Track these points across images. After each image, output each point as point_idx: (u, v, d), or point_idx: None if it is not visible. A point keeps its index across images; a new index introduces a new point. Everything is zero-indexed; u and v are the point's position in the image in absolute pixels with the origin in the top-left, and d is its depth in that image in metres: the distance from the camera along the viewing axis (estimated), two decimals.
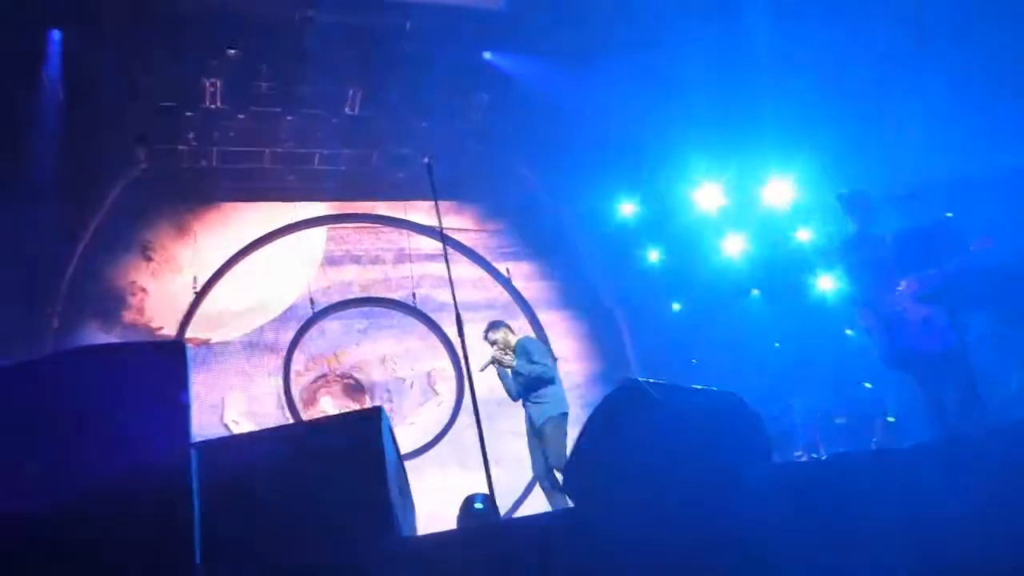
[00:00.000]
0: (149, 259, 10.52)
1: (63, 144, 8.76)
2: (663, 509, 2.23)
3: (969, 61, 7.74)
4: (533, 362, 7.45)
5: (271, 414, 10.16)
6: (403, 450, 9.11)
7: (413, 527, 3.52)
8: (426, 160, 5.83)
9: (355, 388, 10.80)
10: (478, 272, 12.05)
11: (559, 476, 6.89)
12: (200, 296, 10.42)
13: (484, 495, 5.42)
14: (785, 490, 2.73)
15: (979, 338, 6.26)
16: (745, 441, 2.92)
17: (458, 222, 12.32)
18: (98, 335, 9.78)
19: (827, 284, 10.23)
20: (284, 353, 10.53)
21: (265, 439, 3.25)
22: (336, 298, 11.17)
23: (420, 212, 11.68)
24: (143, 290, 10.36)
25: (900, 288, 5.57)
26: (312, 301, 10.87)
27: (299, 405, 10.37)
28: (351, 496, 2.80)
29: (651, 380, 3.17)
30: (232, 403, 10.13)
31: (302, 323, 10.75)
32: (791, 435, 9.61)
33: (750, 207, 10.79)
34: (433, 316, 11.19)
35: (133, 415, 2.01)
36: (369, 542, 2.65)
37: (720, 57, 9.29)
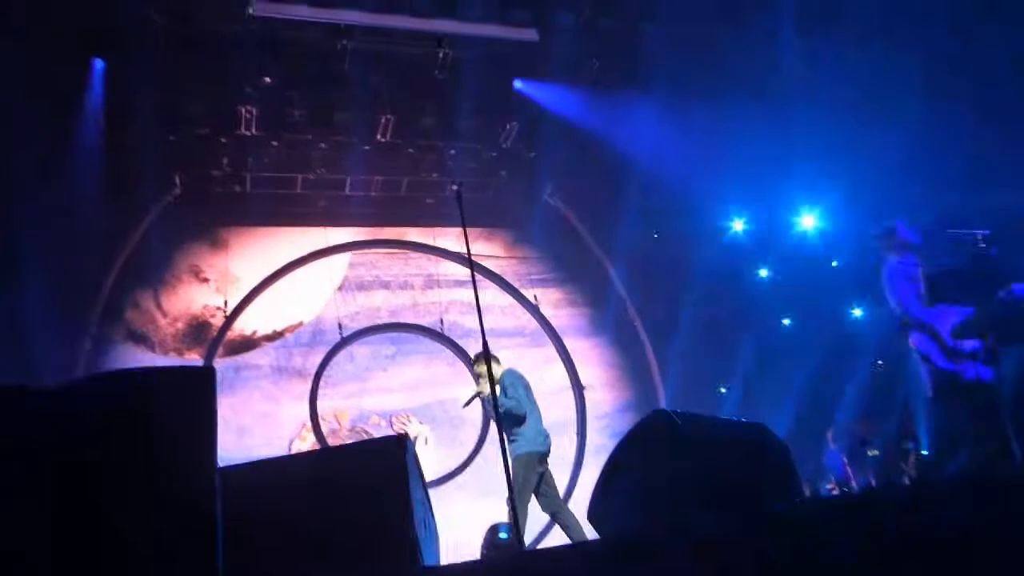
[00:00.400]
0: (181, 282, 10.65)
1: (102, 168, 8.95)
2: (688, 541, 2.19)
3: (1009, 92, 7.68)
4: (507, 397, 7.28)
5: (297, 439, 10.18)
6: (428, 477, 9.07)
7: (436, 556, 3.49)
8: (455, 187, 5.86)
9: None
10: (507, 299, 12.05)
11: (519, 517, 6.72)
12: (230, 320, 10.51)
13: (509, 525, 5.37)
14: (815, 525, 2.66)
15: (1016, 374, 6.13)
16: (773, 473, 2.87)
17: (487, 249, 12.35)
18: (130, 358, 9.89)
19: (860, 314, 10.09)
20: (312, 378, 10.57)
21: (289, 465, 3.25)
22: (364, 323, 11.21)
23: (449, 238, 11.73)
24: (175, 313, 10.48)
25: (943, 322, 5.49)
26: (340, 326, 10.92)
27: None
28: (374, 524, 2.78)
29: (679, 411, 3.13)
30: (259, 428, 10.17)
31: (330, 348, 10.79)
32: (823, 467, 9.44)
33: (781, 237, 10.70)
34: (461, 342, 11.19)
35: (159, 440, 2.01)
36: (392, 571, 2.63)
37: (751, 89, 9.29)
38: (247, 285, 10.82)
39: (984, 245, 5.49)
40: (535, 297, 12.03)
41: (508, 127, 10.71)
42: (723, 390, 11.04)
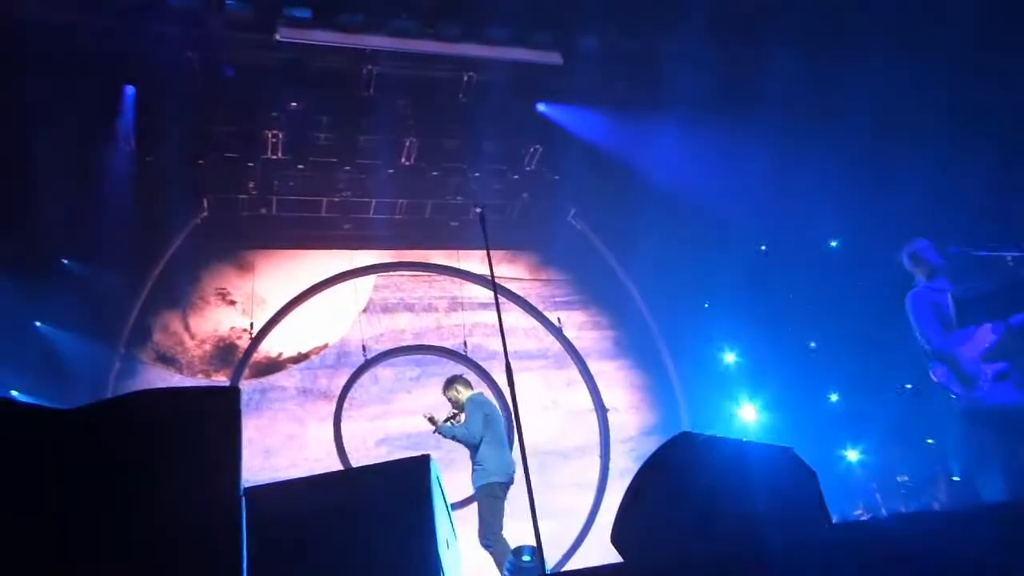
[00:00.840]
0: (208, 304, 10.77)
1: (132, 192, 9.12)
2: (713, 566, 2.17)
3: None
4: (463, 424, 7.48)
5: (322, 460, 10.20)
6: (452, 499, 9.06)
7: None
8: (478, 209, 5.90)
9: None
10: (530, 321, 12.06)
11: (496, 550, 6.82)
12: (256, 341, 10.60)
13: (532, 547, 5.34)
14: (843, 550, 2.63)
15: None
16: (799, 497, 2.83)
17: (511, 271, 12.38)
18: (157, 379, 9.99)
19: (889, 338, 9.96)
20: (336, 399, 10.62)
21: (314, 486, 3.27)
22: (389, 345, 11.26)
23: (473, 261, 11.77)
24: (202, 334, 10.58)
25: (970, 343, 5.42)
26: (365, 348, 10.97)
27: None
28: (398, 545, 2.78)
29: (704, 433, 3.11)
30: (285, 449, 10.22)
31: (354, 370, 10.83)
32: (851, 492, 9.30)
33: (807, 258, 10.63)
34: (485, 365, 11.20)
35: (185, 460, 2.04)
36: None
37: (774, 110, 9.27)
38: (273, 307, 10.92)
39: (1013, 265, 5.43)
40: (558, 319, 12.02)
41: (532, 150, 10.77)
42: (749, 413, 10.91)
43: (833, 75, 9.02)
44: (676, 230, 11.39)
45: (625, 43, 9.35)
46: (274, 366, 10.75)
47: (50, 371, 8.39)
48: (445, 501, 3.44)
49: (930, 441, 9.05)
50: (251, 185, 10.34)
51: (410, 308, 11.77)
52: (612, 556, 2.96)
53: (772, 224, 10.58)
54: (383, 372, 11.12)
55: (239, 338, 10.64)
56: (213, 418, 2.15)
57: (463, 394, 7.90)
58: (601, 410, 11.59)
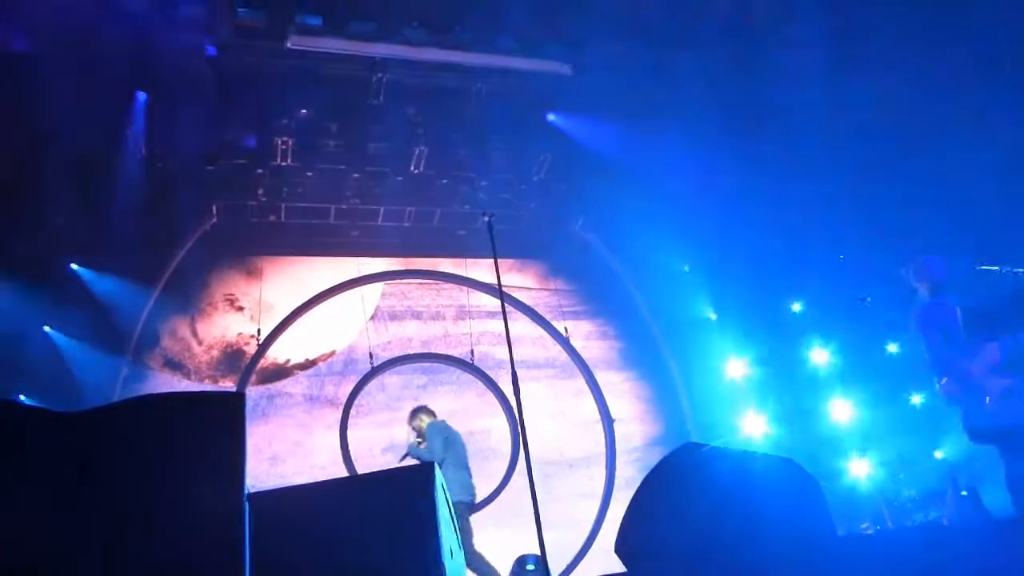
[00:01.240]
0: (217, 310, 10.80)
1: (142, 197, 9.16)
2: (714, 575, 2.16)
3: None
4: (424, 449, 7.96)
5: (328, 467, 10.20)
6: None
7: None
8: (486, 218, 5.92)
9: None
10: (538, 330, 12.05)
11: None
12: (263, 347, 10.62)
13: (536, 556, 5.33)
14: (848, 563, 2.62)
15: None
16: (804, 509, 2.82)
17: (519, 280, 12.38)
18: (165, 385, 10.02)
19: (895, 350, 9.94)
20: (343, 407, 10.62)
21: (318, 492, 3.27)
22: (396, 353, 11.26)
23: (482, 269, 11.78)
24: (209, 340, 10.61)
25: (978, 358, 5.37)
26: (372, 355, 10.97)
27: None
28: (401, 552, 2.78)
29: (708, 444, 3.10)
30: (292, 456, 10.22)
31: (361, 377, 10.84)
32: (857, 506, 9.26)
33: (816, 269, 10.60)
34: (492, 373, 11.19)
35: (189, 464, 2.04)
36: None
37: (783, 120, 9.27)
38: (280, 314, 10.94)
39: (1021, 280, 5.39)
40: (566, 329, 12.01)
41: (541, 159, 10.79)
42: (754, 423, 10.88)
43: (843, 87, 9.01)
44: (684, 241, 11.39)
45: (635, 54, 9.36)
46: (282, 373, 10.76)
47: (58, 376, 8.42)
48: (450, 510, 3.43)
49: (938, 455, 9.01)
50: (260, 192, 10.38)
51: (418, 316, 11.78)
52: (617, 566, 2.95)
53: (780, 234, 10.56)
54: (390, 380, 11.12)
55: (247, 344, 10.65)
56: (217, 423, 2.16)
57: (425, 422, 8.37)
58: (607, 420, 11.56)
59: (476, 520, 10.09)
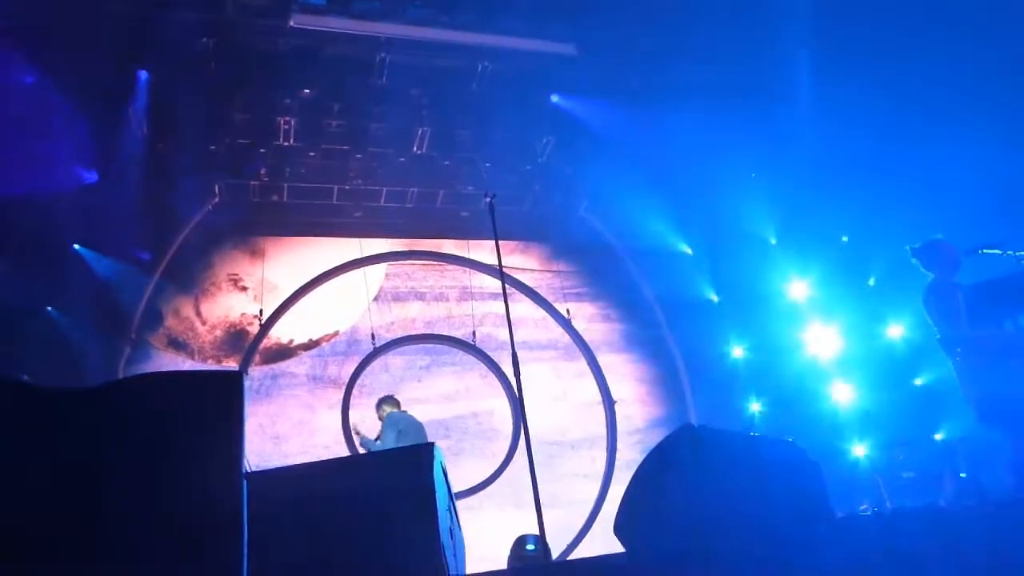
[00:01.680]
0: (220, 290, 10.81)
1: (144, 176, 9.15)
2: (713, 557, 2.17)
3: None
4: (380, 439, 8.22)
5: (331, 447, 10.24)
6: (458, 488, 9.09)
7: (463, 565, 3.49)
8: (488, 199, 5.89)
9: None
10: (540, 312, 12.06)
11: None
12: (266, 328, 10.64)
13: (536, 536, 5.35)
14: (846, 544, 2.62)
15: None
16: (803, 491, 2.83)
17: (522, 262, 12.37)
18: (168, 364, 10.05)
19: (897, 332, 9.92)
20: (345, 387, 10.65)
21: (317, 471, 3.28)
22: (399, 334, 11.28)
23: (485, 251, 11.76)
24: (213, 320, 10.63)
25: (983, 343, 5.38)
26: (374, 336, 10.99)
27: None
28: (400, 532, 2.79)
29: (708, 426, 3.10)
30: (295, 436, 10.26)
31: (363, 358, 10.86)
32: (856, 488, 9.28)
33: (818, 253, 10.59)
34: (494, 355, 11.22)
35: (187, 443, 2.04)
36: None
37: (789, 105, 9.23)
38: (283, 294, 10.95)
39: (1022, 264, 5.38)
40: (567, 311, 12.01)
41: (545, 141, 10.75)
42: (754, 407, 10.90)
43: (846, 69, 8.95)
44: (688, 224, 11.37)
45: (640, 35, 9.30)
46: (285, 353, 10.79)
47: (61, 356, 8.43)
48: (449, 490, 3.44)
49: (938, 438, 9.03)
50: (263, 171, 10.35)
51: (421, 297, 11.79)
52: (616, 546, 2.96)
53: (784, 218, 10.55)
54: (393, 360, 11.15)
55: (250, 324, 10.68)
56: (216, 402, 2.16)
57: (386, 412, 8.54)
58: (608, 402, 11.59)
59: (478, 500, 10.20)
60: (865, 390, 10.24)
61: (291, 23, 8.38)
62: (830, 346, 10.75)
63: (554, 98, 10.13)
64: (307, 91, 9.30)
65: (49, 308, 8.85)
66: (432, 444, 3.07)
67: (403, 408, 8.82)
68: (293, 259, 11.31)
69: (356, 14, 8.60)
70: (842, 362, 10.64)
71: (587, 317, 12.39)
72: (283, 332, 10.86)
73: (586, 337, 12.05)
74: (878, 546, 2.71)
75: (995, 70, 7.97)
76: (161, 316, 10.32)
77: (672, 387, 12.19)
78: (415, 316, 11.58)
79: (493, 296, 11.71)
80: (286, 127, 9.70)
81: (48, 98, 7.48)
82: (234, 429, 2.10)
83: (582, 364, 11.91)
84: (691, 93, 9.39)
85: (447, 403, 11.10)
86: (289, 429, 10.25)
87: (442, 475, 3.21)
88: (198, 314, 10.61)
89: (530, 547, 6.01)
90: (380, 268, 11.71)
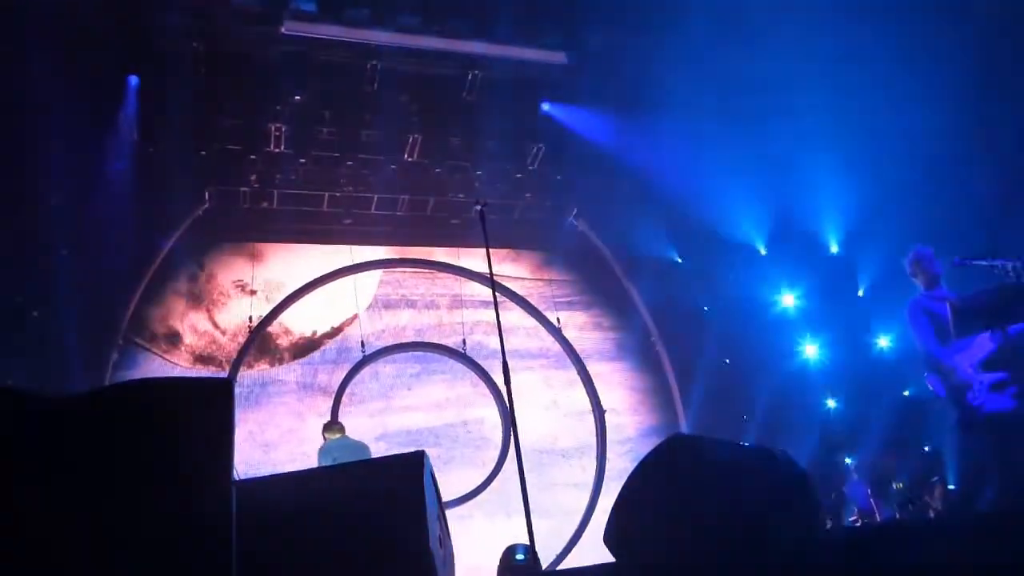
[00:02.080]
0: (208, 296, 10.76)
1: (134, 181, 9.11)
2: (704, 568, 2.16)
3: None
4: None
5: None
6: (448, 497, 9.04)
7: (452, 575, 3.47)
8: (478, 207, 5.87)
9: None
10: (532, 320, 12.06)
11: None
12: (255, 334, 10.59)
13: (526, 546, 5.33)
14: (836, 555, 2.62)
15: None
16: (793, 501, 2.82)
17: (513, 270, 12.37)
18: (155, 370, 9.98)
19: (886, 343, 9.97)
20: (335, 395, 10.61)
21: (306, 480, 3.26)
22: (390, 341, 11.25)
23: (476, 259, 11.75)
24: (201, 326, 10.57)
25: (968, 352, 5.39)
26: (363, 344, 10.96)
27: None
28: (390, 540, 2.77)
29: (698, 436, 3.10)
30: (284, 443, 10.21)
31: (352, 366, 10.83)
32: (846, 498, 9.30)
33: (807, 263, 10.63)
34: (485, 363, 11.19)
35: (175, 451, 2.03)
36: None
37: (780, 115, 9.27)
38: (273, 300, 10.91)
39: (1015, 275, 5.39)
40: (558, 320, 12.01)
41: (535, 149, 10.76)
42: (744, 416, 10.93)
43: (838, 80, 9.00)
44: (678, 233, 11.39)
45: (631, 45, 9.34)
46: (275, 360, 10.75)
47: (48, 361, 8.36)
48: (439, 499, 3.42)
49: (927, 449, 9.06)
50: (253, 178, 10.33)
51: (412, 305, 11.77)
52: (606, 556, 2.95)
53: (773, 228, 10.58)
54: (384, 368, 11.12)
55: (239, 330, 10.63)
56: (205, 409, 2.14)
57: (326, 440, 8.29)
58: (598, 411, 11.58)
59: (468, 509, 10.15)
60: (855, 400, 10.27)
61: (282, 30, 8.39)
62: (820, 356, 10.79)
63: (545, 106, 10.16)
64: (298, 98, 9.29)
65: (35, 312, 8.78)
66: (422, 452, 3.05)
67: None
68: (283, 266, 11.27)
69: (348, 21, 8.61)
70: (832, 372, 10.68)
71: (578, 326, 12.40)
72: (273, 339, 10.82)
73: (578, 346, 12.05)
74: (868, 558, 2.70)
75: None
76: (149, 321, 10.26)
77: (663, 396, 12.20)
78: (406, 324, 11.55)
79: (484, 304, 11.70)
80: (277, 134, 9.69)
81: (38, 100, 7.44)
82: (223, 436, 2.08)
83: (573, 373, 11.91)
84: (681, 102, 9.41)
85: (437, 411, 11.07)
86: (278, 437, 10.19)
87: (431, 484, 3.19)
88: (186, 320, 10.56)
89: (520, 557, 5.98)
90: (372, 276, 11.69)
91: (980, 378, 5.35)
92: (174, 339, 10.39)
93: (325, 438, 8.34)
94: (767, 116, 9.28)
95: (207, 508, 2.00)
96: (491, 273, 5.63)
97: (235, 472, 2.23)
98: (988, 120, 8.25)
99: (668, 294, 11.86)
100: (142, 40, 8.04)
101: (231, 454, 2.19)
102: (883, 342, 10.07)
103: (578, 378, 11.88)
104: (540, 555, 5.00)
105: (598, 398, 11.69)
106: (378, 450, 10.36)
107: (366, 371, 10.94)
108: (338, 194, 10.94)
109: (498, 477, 10.53)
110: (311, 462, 10.01)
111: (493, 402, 11.19)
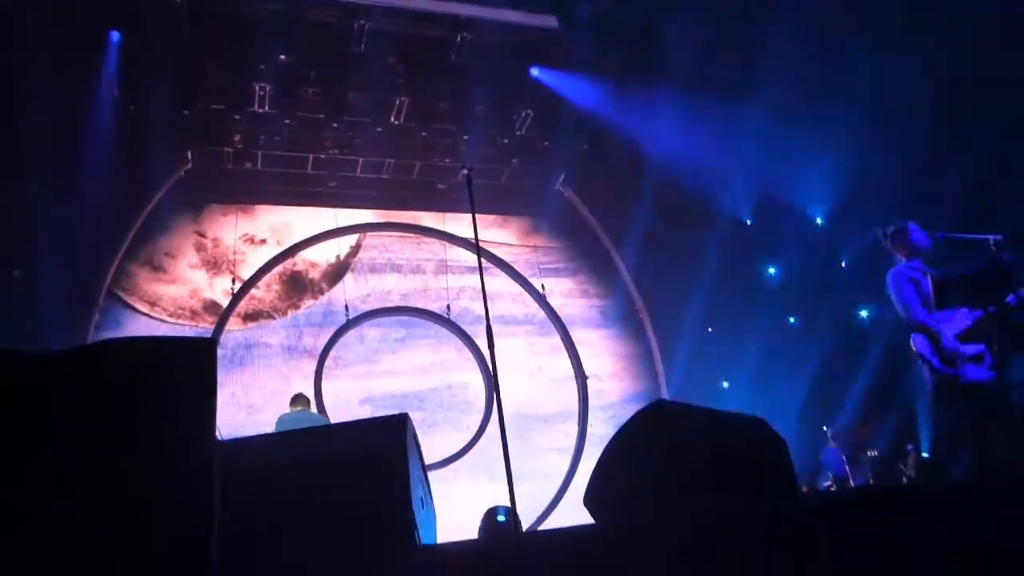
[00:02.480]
0: (190, 257, 10.70)
1: (115, 140, 8.98)
2: (681, 530, 2.19)
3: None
4: None
5: None
6: (432, 460, 9.11)
7: (434, 535, 3.50)
8: (464, 172, 5.83)
9: None
10: (517, 287, 12.07)
11: None
12: (238, 296, 10.55)
13: (507, 508, 5.39)
14: (811, 519, 2.66)
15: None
16: (770, 467, 2.87)
17: (501, 236, 12.35)
18: (138, 330, 9.94)
19: (866, 315, 10.06)
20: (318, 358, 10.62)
21: (288, 441, 3.27)
22: (375, 305, 11.25)
23: (461, 224, 11.73)
24: (183, 287, 10.52)
25: (948, 326, 5.46)
26: (347, 308, 10.95)
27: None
28: (370, 502, 2.79)
29: (678, 401, 3.13)
30: (268, 406, 10.22)
31: (336, 329, 10.82)
32: (822, 465, 9.45)
33: (790, 235, 10.66)
34: (470, 329, 11.22)
35: (156, 411, 2.02)
36: (386, 549, 2.64)
37: (767, 86, 9.23)
38: (256, 263, 10.86)
39: (996, 249, 5.45)
40: (542, 286, 12.03)
41: (523, 114, 10.69)
42: (725, 384, 11.02)
43: (827, 56, 8.97)
44: (663, 203, 11.39)
45: (623, 13, 9.25)
46: (258, 322, 10.73)
47: (28, 321, 8.30)
48: (421, 461, 3.44)
49: (902, 418, 9.19)
50: (237, 138, 10.22)
51: (398, 269, 11.75)
52: (586, 518, 2.99)
53: (759, 200, 10.60)
54: (369, 332, 11.12)
55: (223, 291, 10.59)
56: (188, 369, 2.13)
57: (287, 412, 7.92)
58: (581, 377, 11.66)
59: (451, 471, 10.23)
60: (830, 369, 10.38)
61: None
62: (799, 325, 10.88)
63: (534, 71, 10.07)
64: (283, 57, 9.16)
65: (16, 272, 8.71)
66: (405, 415, 3.06)
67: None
68: (267, 227, 11.21)
69: None
70: (810, 341, 10.77)
71: (564, 293, 12.43)
72: (257, 301, 10.80)
73: (563, 312, 12.09)
74: (842, 521, 2.75)
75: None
76: (131, 281, 10.20)
77: (646, 363, 12.28)
78: (391, 288, 11.54)
79: (470, 269, 11.70)
80: (261, 93, 9.57)
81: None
82: (205, 397, 2.08)
83: (557, 339, 11.96)
84: (672, 72, 9.36)
85: (422, 375, 11.12)
86: (262, 399, 10.20)
87: (414, 446, 3.21)
88: (169, 280, 10.51)
89: (501, 518, 6.05)
90: (357, 239, 11.65)
91: (960, 348, 5.44)
92: (156, 298, 10.34)
93: (286, 411, 8.16)
94: (759, 88, 9.25)
95: (188, 467, 2.00)
96: (476, 239, 5.61)
97: (218, 433, 2.24)
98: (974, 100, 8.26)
99: (653, 262, 11.88)
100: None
101: (213, 414, 2.19)
102: (863, 312, 10.16)
103: (562, 345, 11.94)
104: (521, 517, 5.05)
105: (581, 365, 11.75)
106: (363, 413, 10.43)
107: (352, 335, 10.94)
108: (323, 156, 10.85)
109: (483, 441, 10.61)
110: None
111: (478, 367, 11.24)
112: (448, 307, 11.34)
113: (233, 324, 10.55)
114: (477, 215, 5.79)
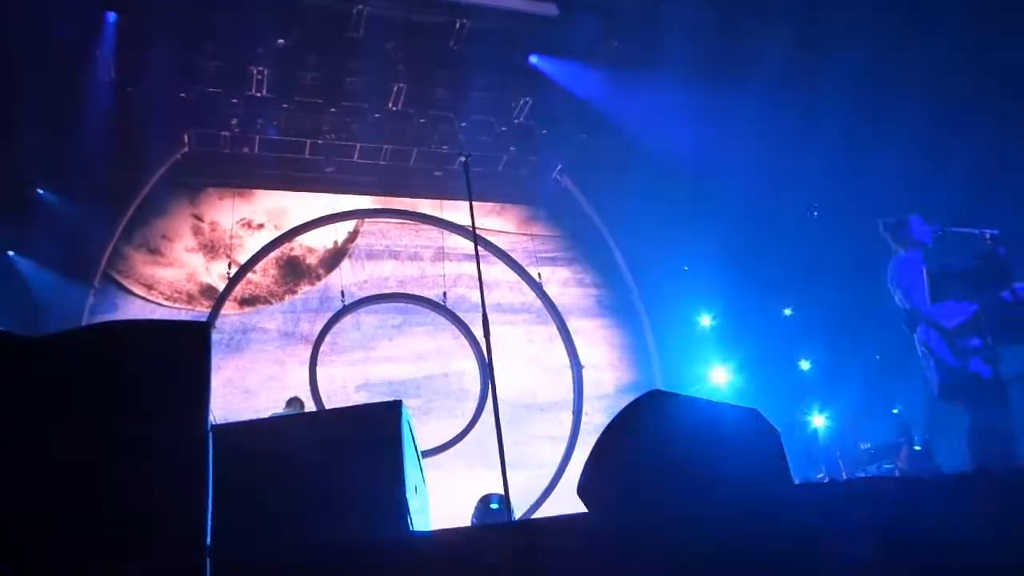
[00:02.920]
0: (187, 241, 10.67)
1: (111, 122, 8.94)
2: (675, 519, 2.21)
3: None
4: None
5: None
6: (427, 446, 9.13)
7: (427, 522, 3.51)
8: (462, 159, 5.83)
9: None
10: (515, 275, 12.06)
11: None
12: (235, 281, 10.53)
13: (500, 495, 5.40)
14: (804, 510, 2.67)
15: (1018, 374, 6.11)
16: (763, 456, 2.88)
17: (499, 224, 12.34)
18: (133, 313, 9.92)
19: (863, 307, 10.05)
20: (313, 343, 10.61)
21: (283, 425, 3.28)
22: (373, 291, 11.24)
23: (460, 211, 11.70)
24: (179, 271, 10.50)
25: (946, 319, 5.47)
26: (343, 294, 10.94)
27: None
28: (364, 488, 2.80)
29: (673, 392, 3.13)
30: (264, 391, 10.22)
31: (332, 315, 10.81)
32: (814, 456, 9.47)
33: (788, 224, 10.64)
34: (466, 316, 11.21)
35: (151, 394, 2.02)
36: (379, 533, 2.65)
37: (765, 75, 9.20)
38: (253, 247, 10.84)
39: (992, 244, 5.45)
40: (539, 275, 12.02)
41: (522, 102, 10.65)
42: (721, 374, 11.04)
43: (825, 43, 8.94)
44: (660, 192, 11.36)
45: (623, 1, 9.21)
46: (255, 308, 10.72)
47: (22, 303, 8.30)
48: (416, 447, 3.45)
49: (895, 411, 9.21)
50: (234, 122, 10.17)
51: (395, 256, 11.74)
52: (579, 507, 3.00)
53: (756, 189, 10.57)
54: (366, 318, 11.12)
55: (219, 275, 10.57)
56: (182, 353, 2.13)
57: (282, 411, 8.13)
58: (576, 366, 11.67)
59: (446, 458, 10.25)
60: (827, 361, 10.39)
61: None
62: (795, 315, 10.89)
63: (533, 59, 10.03)
64: (281, 41, 9.10)
65: (11, 252, 8.69)
66: (399, 402, 3.07)
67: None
68: (263, 212, 11.19)
69: None
70: (806, 331, 10.77)
71: (561, 281, 12.42)
72: (254, 287, 10.79)
73: (560, 301, 12.08)
74: (835, 512, 2.76)
75: None
76: (126, 264, 10.18)
77: (642, 353, 12.29)
78: (388, 275, 11.53)
79: (467, 257, 11.69)
80: (259, 77, 9.52)
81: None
82: (200, 381, 2.08)
83: (554, 328, 11.96)
84: (672, 61, 9.32)
85: (419, 362, 11.12)
86: (259, 384, 10.21)
87: (409, 433, 3.22)
88: (164, 263, 10.49)
89: (494, 506, 6.06)
90: (354, 225, 11.64)
91: (959, 342, 5.45)
92: (152, 281, 10.32)
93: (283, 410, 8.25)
94: (756, 76, 9.22)
95: (183, 451, 2.00)
96: (473, 226, 5.60)
97: (213, 417, 2.23)
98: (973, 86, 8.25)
99: (650, 252, 11.87)
100: None
101: (208, 397, 2.19)
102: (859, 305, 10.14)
103: (558, 333, 11.94)
104: (515, 505, 5.07)
105: (576, 354, 11.76)
106: (359, 399, 10.43)
107: (348, 321, 10.93)
108: (320, 141, 10.80)
109: (478, 429, 10.62)
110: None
111: (474, 355, 11.24)
112: (444, 294, 11.34)
113: (230, 309, 10.53)
114: (474, 203, 5.78)
